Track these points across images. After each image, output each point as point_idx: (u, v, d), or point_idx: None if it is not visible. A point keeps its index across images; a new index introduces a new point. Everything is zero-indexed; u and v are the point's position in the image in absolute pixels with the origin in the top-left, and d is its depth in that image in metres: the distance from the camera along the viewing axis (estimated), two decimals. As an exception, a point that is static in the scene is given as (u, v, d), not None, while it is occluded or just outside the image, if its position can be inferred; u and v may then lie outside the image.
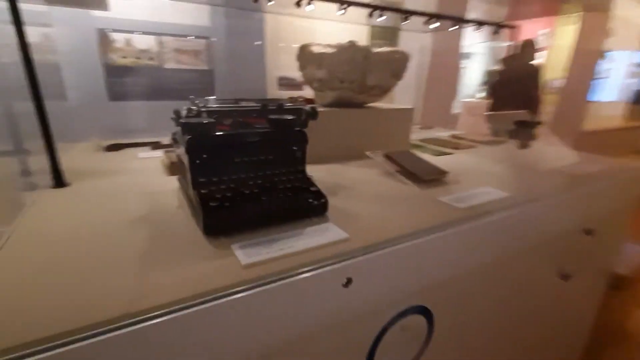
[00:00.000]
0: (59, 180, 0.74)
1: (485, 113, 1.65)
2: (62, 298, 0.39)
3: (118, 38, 1.73)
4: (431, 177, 0.85)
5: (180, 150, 0.64)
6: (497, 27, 1.71)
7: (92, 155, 1.03)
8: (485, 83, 2.70)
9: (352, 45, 0.92)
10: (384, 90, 1.04)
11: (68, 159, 1.00)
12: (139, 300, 0.38)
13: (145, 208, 0.65)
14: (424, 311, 0.65)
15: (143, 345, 0.36)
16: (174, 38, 1.88)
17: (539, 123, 1.40)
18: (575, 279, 0.95)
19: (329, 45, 0.99)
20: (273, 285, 0.44)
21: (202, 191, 0.55)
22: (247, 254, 0.48)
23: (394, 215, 0.65)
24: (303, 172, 0.66)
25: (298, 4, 1.20)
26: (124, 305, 0.37)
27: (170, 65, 1.91)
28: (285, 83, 2.29)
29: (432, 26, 1.46)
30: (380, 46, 1.00)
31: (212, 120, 0.58)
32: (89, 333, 0.34)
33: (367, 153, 0.95)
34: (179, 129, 0.61)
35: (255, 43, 2.00)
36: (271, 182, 0.62)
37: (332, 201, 0.65)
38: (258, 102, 0.74)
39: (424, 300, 0.64)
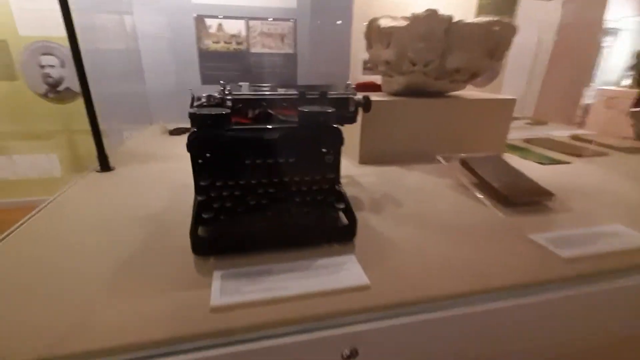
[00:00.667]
0: (104, 165, 0.75)
1: (632, 109, 1.20)
2: None
3: (211, 24, 1.80)
4: (525, 200, 0.60)
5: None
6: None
7: (155, 139, 1.06)
8: (633, 67, 2.04)
9: (430, 14, 0.71)
10: (471, 75, 0.79)
11: (133, 142, 1.05)
12: (60, 343, 0.30)
13: (161, 205, 0.59)
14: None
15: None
16: (261, 22, 1.87)
17: None
18: None
19: (404, 18, 0.79)
20: (239, 348, 0.32)
21: (200, 198, 0.46)
22: (223, 290, 0.37)
23: (451, 254, 0.46)
24: (333, 181, 0.51)
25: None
26: (42, 348, 0.30)
27: (256, 49, 1.93)
28: (371, 67, 2.11)
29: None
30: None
31: (224, 111, 0.47)
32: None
33: (438, 156, 0.74)
34: None
35: (337, 22, 1.86)
36: (287, 192, 0.49)
37: (369, 220, 0.50)
38: (299, 89, 0.61)
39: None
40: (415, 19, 0.72)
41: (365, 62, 2.10)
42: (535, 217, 0.57)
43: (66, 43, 0.65)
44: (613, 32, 2.61)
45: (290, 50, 1.99)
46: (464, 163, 0.70)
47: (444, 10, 0.70)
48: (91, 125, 0.71)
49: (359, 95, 0.62)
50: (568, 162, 0.88)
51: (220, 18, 1.80)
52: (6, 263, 0.43)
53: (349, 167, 0.80)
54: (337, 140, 0.51)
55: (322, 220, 0.48)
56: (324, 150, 0.51)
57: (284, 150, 0.49)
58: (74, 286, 0.38)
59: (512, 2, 1.80)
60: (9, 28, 1.74)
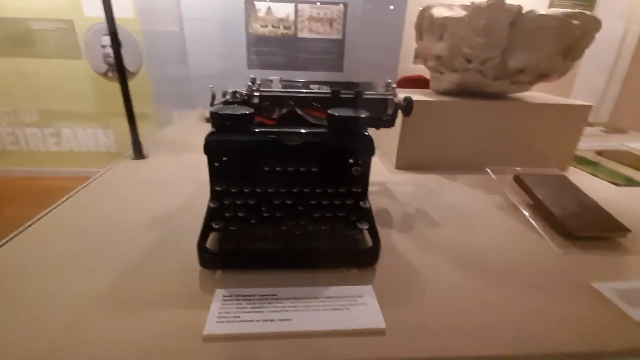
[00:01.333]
0: (138, 153, 0.76)
1: None
2: None
3: (260, 7, 1.78)
4: (592, 234, 0.50)
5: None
6: None
7: (192, 126, 1.06)
8: None
9: (494, 3, 0.60)
10: (538, 76, 0.68)
11: (171, 128, 1.06)
12: None
13: (179, 205, 0.57)
14: None
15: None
16: (310, 5, 1.81)
17: None
18: None
19: (463, 7, 0.69)
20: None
21: (212, 205, 0.43)
22: (221, 314, 0.34)
23: (489, 300, 0.38)
24: (359, 196, 0.46)
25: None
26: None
27: (303, 34, 1.87)
28: (420, 61, 1.98)
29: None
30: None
31: (247, 111, 0.44)
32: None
33: (488, 168, 0.64)
34: None
35: (390, 7, 1.74)
36: (306, 205, 0.44)
37: (396, 241, 0.44)
38: (333, 87, 0.56)
39: None
40: (475, 9, 0.62)
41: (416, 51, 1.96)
42: (602, 257, 0.47)
43: (126, 25, 0.65)
44: None
45: (338, 36, 1.91)
46: (518, 179, 0.60)
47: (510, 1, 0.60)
48: (127, 113, 0.71)
49: (401, 96, 0.55)
50: (651, 185, 0.73)
51: (270, 1, 1.76)
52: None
53: (383, 172, 0.74)
54: (368, 151, 0.45)
55: (340, 241, 0.43)
56: (351, 160, 0.45)
57: (306, 157, 0.45)
58: (55, 304, 0.35)
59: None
60: (76, 9, 1.85)
